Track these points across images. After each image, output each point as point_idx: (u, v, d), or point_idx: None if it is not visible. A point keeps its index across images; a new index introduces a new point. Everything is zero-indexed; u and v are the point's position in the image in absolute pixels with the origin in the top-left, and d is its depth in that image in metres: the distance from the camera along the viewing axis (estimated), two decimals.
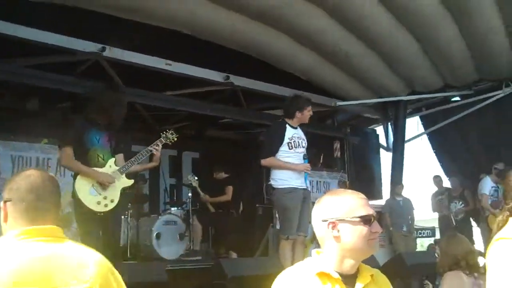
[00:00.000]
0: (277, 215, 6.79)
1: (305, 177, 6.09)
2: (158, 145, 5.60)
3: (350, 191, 2.35)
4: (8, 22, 7.13)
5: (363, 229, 2.19)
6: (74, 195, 5.21)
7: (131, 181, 5.53)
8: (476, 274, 4.17)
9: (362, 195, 2.30)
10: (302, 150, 6.21)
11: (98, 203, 5.18)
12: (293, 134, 6.18)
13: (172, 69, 8.83)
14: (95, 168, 5.26)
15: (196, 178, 9.26)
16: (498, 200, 9.57)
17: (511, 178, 2.80)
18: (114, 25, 7.86)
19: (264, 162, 6.10)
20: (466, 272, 4.23)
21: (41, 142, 7.76)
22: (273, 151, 6.08)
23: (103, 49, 8.06)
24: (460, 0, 8.44)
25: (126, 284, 4.23)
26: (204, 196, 9.14)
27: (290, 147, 6.12)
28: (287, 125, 6.21)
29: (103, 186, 5.22)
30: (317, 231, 2.28)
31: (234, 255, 8.50)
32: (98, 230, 5.24)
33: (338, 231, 2.21)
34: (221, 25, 8.37)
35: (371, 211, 2.23)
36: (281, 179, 6.07)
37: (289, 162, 6.07)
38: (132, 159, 5.48)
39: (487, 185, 9.86)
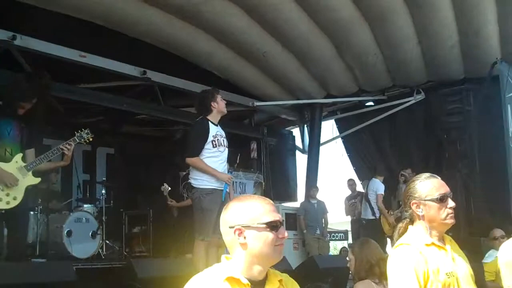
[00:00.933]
0: (194, 215, 6.67)
1: (225, 187, 6.00)
2: (70, 144, 5.39)
3: (256, 196, 2.33)
4: None
5: (268, 235, 2.17)
6: None
7: (38, 179, 5.35)
8: (385, 282, 4.23)
9: (268, 201, 2.28)
10: (224, 149, 6.13)
11: (0, 200, 4.96)
12: (216, 131, 6.09)
13: (87, 61, 8.59)
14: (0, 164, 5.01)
15: (169, 188, 9.21)
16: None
17: (410, 186, 2.88)
18: (27, 13, 7.58)
19: (190, 161, 5.92)
20: (376, 281, 4.29)
21: None
22: (198, 150, 5.94)
23: (14, 38, 7.73)
24: (375, 7, 8.70)
25: (32, 284, 4.07)
26: (171, 202, 9.15)
27: (214, 145, 6.00)
28: (209, 122, 6.12)
29: (6, 182, 4.99)
30: (225, 237, 2.25)
31: None
32: (1, 226, 5.00)
33: (245, 237, 2.18)
34: (136, 19, 8.26)
35: (277, 217, 2.21)
36: (202, 179, 5.98)
37: (212, 165, 5.94)
38: (42, 156, 5.28)
39: (381, 185, 10.15)
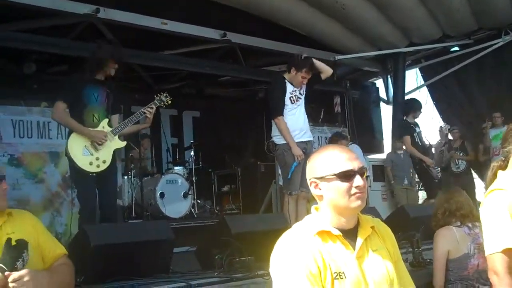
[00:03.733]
0: (279, 171, 6.79)
1: (294, 165, 6.05)
2: (151, 107, 5.57)
3: (332, 147, 2.32)
4: None
5: (340, 185, 2.17)
6: (66, 153, 5.24)
7: (124, 143, 5.55)
8: (470, 224, 4.19)
9: (345, 150, 2.26)
10: (302, 102, 6.22)
11: (91, 163, 5.19)
12: (292, 89, 6.16)
13: (169, 28, 8.73)
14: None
15: None
16: None
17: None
18: None
19: (277, 121, 6.05)
20: (458, 224, 4.26)
21: (40, 105, 7.74)
22: (281, 109, 6.06)
23: (97, 11, 7.94)
24: None
25: (133, 242, 4.29)
26: None
27: (292, 101, 6.13)
28: (286, 81, 6.19)
29: (95, 147, 5.22)
30: (311, 190, 2.29)
31: None
32: (93, 188, 5.27)
33: (320, 189, 2.22)
34: None
35: (351, 166, 2.17)
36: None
37: (293, 122, 6.09)
38: (126, 120, 5.48)
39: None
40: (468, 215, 4.26)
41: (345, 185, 2.17)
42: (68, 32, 8.20)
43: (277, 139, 6.15)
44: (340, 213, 2.22)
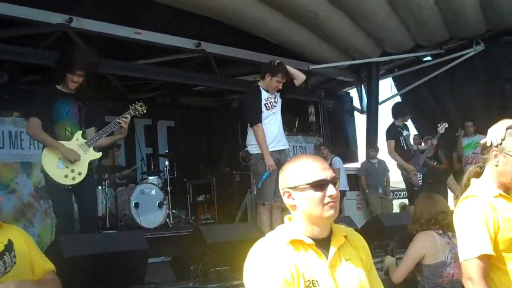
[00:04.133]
0: (254, 181, 6.81)
1: (265, 175, 6.06)
2: (126, 117, 5.55)
3: (305, 156, 2.33)
4: None
5: (314, 195, 2.17)
6: (41, 168, 5.21)
7: (99, 154, 5.51)
8: (450, 234, 4.22)
9: (317, 159, 2.28)
10: (277, 110, 6.27)
11: (66, 176, 5.16)
12: (267, 96, 6.20)
13: (142, 37, 8.72)
14: (62, 142, 5.22)
15: None
16: None
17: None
18: None
19: (256, 128, 6.06)
20: (440, 232, 4.30)
21: (13, 115, 7.66)
22: (259, 115, 6.09)
23: (71, 20, 7.91)
24: None
25: (107, 253, 4.26)
26: None
27: (268, 108, 6.18)
28: (260, 88, 6.23)
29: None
30: (284, 200, 2.29)
31: None
32: (69, 201, 5.25)
33: (293, 199, 2.22)
34: None
35: (323, 176, 2.19)
36: (256, 145, 6.10)
37: (270, 129, 6.14)
38: (100, 131, 5.45)
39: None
40: (450, 225, 4.31)
41: (318, 194, 2.18)
42: (40, 42, 8.13)
43: (251, 148, 6.18)
44: (313, 222, 2.22)
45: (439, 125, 9.08)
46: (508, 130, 2.70)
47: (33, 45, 8.08)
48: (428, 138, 10.55)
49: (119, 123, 5.50)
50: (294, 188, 2.22)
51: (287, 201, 2.27)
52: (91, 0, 7.99)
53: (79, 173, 5.22)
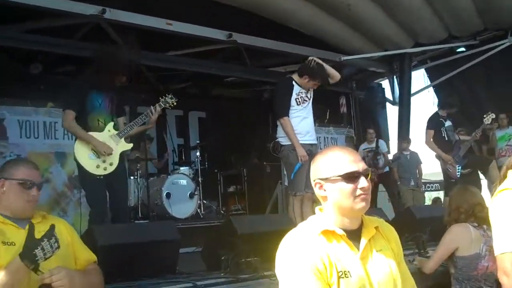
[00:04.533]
0: (285, 172, 6.81)
1: (297, 165, 6.03)
2: (156, 109, 5.59)
3: (338, 148, 2.33)
4: None
5: (345, 187, 2.17)
6: (74, 157, 5.30)
7: (130, 145, 5.59)
8: (485, 227, 4.17)
9: (349, 151, 2.27)
10: (308, 105, 6.24)
11: (98, 166, 5.23)
12: (299, 90, 6.17)
13: (174, 29, 8.74)
14: (94, 134, 5.28)
15: None
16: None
17: None
18: None
19: (283, 121, 6.05)
20: (475, 224, 4.25)
21: (47, 106, 7.77)
22: (286, 109, 6.08)
23: (104, 11, 7.97)
24: None
25: (139, 243, 4.31)
26: None
27: (298, 103, 6.14)
28: (293, 82, 6.20)
29: None
30: (315, 191, 2.29)
31: None
32: (101, 191, 5.31)
33: (325, 190, 2.22)
34: None
35: (355, 168, 2.18)
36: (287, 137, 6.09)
37: (300, 124, 6.11)
38: (131, 123, 5.52)
39: (360, 149, 10.19)
40: (486, 218, 4.26)
41: (350, 186, 2.17)
42: (74, 33, 8.21)
43: (283, 140, 6.15)
44: (344, 214, 2.22)
45: (485, 116, 8.86)
46: None
47: (66, 36, 8.16)
48: (461, 130, 10.39)
49: (149, 114, 5.54)
50: (326, 179, 2.21)
51: (318, 192, 2.27)
52: None
53: (111, 164, 5.29)
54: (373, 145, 10.23)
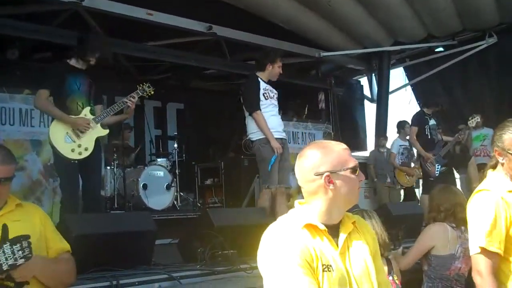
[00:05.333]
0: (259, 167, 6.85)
1: (273, 158, 6.10)
2: (134, 97, 5.58)
3: (334, 142, 2.33)
4: None
5: (354, 179, 2.22)
6: (49, 140, 5.26)
7: (106, 131, 5.56)
8: (463, 228, 4.20)
9: (345, 146, 2.30)
10: (275, 102, 6.37)
11: (72, 150, 5.21)
12: (265, 86, 6.29)
13: (154, 19, 8.69)
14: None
15: None
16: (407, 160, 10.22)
17: (497, 134, 2.83)
18: None
19: (256, 115, 6.13)
20: (453, 225, 4.29)
21: (23, 92, 7.67)
22: (258, 104, 6.17)
23: None
24: None
25: (115, 233, 4.27)
26: None
27: (266, 97, 6.25)
28: (259, 79, 6.31)
29: (77, 134, 5.23)
30: (306, 184, 2.25)
31: None
32: (76, 177, 5.29)
33: (333, 183, 2.20)
34: None
35: (356, 161, 2.25)
36: (258, 131, 6.13)
37: (269, 119, 6.20)
38: (108, 109, 5.50)
39: (395, 145, 10.19)
40: (465, 219, 4.30)
41: (356, 178, 2.23)
42: (52, 19, 8.11)
43: (253, 135, 6.23)
44: (340, 207, 2.24)
45: (470, 118, 8.98)
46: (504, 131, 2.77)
47: (44, 22, 8.07)
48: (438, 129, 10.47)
49: (126, 102, 5.52)
50: (337, 172, 2.21)
51: (321, 186, 2.21)
52: None
53: (86, 149, 5.27)
54: (407, 142, 10.18)
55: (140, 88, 5.73)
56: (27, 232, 2.64)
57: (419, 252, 4.40)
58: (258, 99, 6.18)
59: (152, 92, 5.81)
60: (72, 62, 5.40)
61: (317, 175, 2.21)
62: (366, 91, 13.07)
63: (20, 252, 2.52)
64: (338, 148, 2.27)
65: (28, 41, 8.63)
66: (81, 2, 7.90)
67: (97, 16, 8.26)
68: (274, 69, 6.34)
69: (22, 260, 2.53)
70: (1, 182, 2.86)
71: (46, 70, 5.59)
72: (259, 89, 6.22)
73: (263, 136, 6.08)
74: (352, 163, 2.23)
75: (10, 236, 2.58)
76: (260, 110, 6.14)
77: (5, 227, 2.60)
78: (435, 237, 4.31)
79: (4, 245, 2.50)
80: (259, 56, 6.65)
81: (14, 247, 2.50)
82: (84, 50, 5.35)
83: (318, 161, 2.22)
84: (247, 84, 6.65)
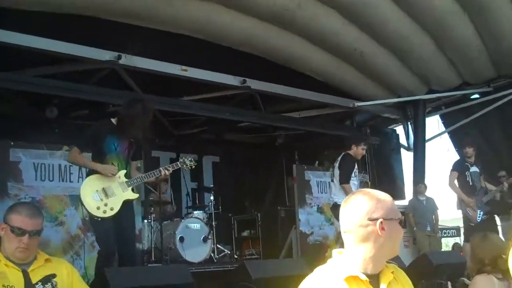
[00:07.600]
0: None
1: None
2: (168, 169, 5.61)
3: (381, 192, 2.33)
4: (21, 33, 7.15)
5: (400, 230, 2.26)
6: (79, 194, 5.34)
7: (136, 195, 5.60)
8: (511, 280, 4.07)
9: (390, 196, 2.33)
10: (356, 182, 7.77)
11: (98, 208, 5.23)
12: (356, 167, 7.66)
13: (189, 74, 8.82)
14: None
15: None
16: None
17: None
18: (129, 32, 7.93)
19: (347, 187, 7.31)
20: (499, 276, 4.16)
21: (62, 149, 7.83)
22: (350, 178, 7.47)
23: (119, 57, 8.07)
24: None
25: (152, 286, 4.25)
26: None
27: (354, 175, 7.54)
28: (352, 157, 7.61)
29: (106, 193, 5.28)
30: (358, 229, 2.20)
31: None
32: (109, 231, 5.29)
33: (384, 230, 2.18)
34: (235, 30, 8.44)
35: (400, 213, 2.30)
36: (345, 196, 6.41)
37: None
38: (143, 175, 5.58)
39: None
40: (508, 270, 4.17)
41: (402, 230, 2.28)
42: (89, 77, 8.32)
43: (339, 200, 7.10)
44: (384, 256, 2.23)
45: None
46: None
47: (81, 80, 8.26)
48: None
49: (161, 172, 5.56)
50: (390, 220, 2.21)
51: (372, 232, 2.18)
52: (139, 38, 8.15)
53: (111, 209, 5.28)
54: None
55: (181, 160, 5.80)
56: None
57: None
58: (351, 175, 7.44)
59: (193, 167, 5.89)
60: (115, 121, 5.51)
61: (370, 220, 2.18)
62: (402, 140, 12.98)
63: None
64: (388, 198, 2.28)
65: (66, 99, 8.85)
66: (117, 60, 8.08)
67: (133, 73, 8.44)
68: (358, 150, 7.61)
69: None
70: (31, 235, 2.99)
71: (87, 129, 5.70)
72: (354, 167, 7.56)
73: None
74: (400, 214, 2.26)
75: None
76: (349, 183, 7.33)
77: (25, 272, 2.76)
78: None
79: (36, 285, 2.62)
80: (345, 137, 7.81)
81: (45, 285, 2.63)
82: (127, 126, 5.41)
83: (373, 207, 2.21)
84: (347, 159, 7.65)
